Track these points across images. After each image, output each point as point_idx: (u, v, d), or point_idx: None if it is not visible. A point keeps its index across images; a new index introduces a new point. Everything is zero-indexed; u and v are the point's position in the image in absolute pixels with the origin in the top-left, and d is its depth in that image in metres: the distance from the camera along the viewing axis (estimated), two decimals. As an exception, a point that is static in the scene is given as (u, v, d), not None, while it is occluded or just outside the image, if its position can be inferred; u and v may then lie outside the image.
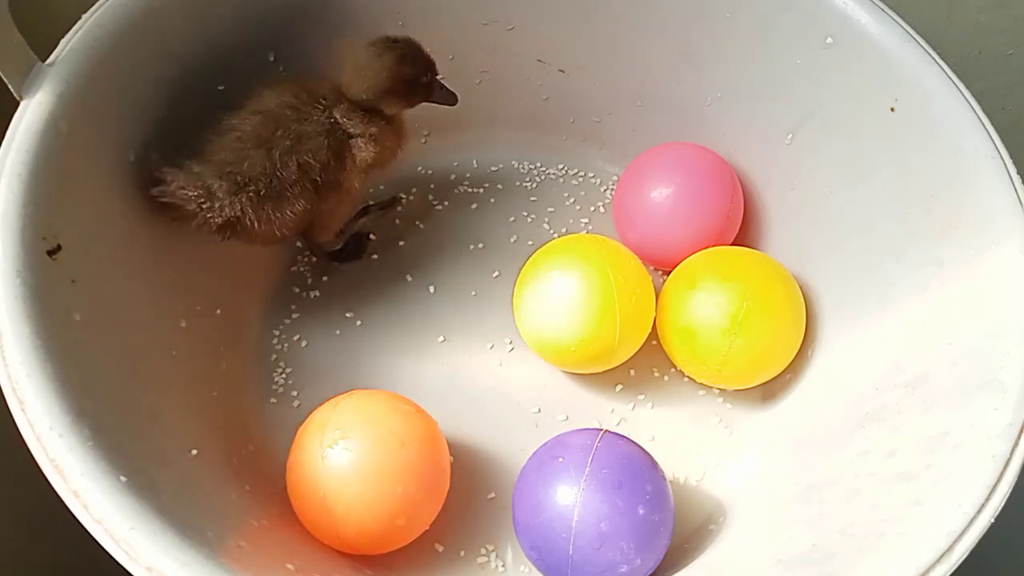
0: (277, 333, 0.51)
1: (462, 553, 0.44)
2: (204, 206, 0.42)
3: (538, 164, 0.59)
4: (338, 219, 0.49)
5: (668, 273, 0.51)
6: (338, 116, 0.45)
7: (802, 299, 0.47)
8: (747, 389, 0.49)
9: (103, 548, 0.30)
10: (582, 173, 0.59)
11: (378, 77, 0.45)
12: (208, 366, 0.45)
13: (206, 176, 0.42)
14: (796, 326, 0.47)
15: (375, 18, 0.51)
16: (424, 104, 0.48)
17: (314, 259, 0.54)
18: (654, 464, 0.41)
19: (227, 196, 0.42)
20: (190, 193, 0.41)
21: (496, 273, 0.54)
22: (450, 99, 0.48)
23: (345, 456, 0.39)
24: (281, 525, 0.40)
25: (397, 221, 0.56)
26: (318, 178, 0.44)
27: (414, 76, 0.45)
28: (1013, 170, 0.39)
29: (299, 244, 0.54)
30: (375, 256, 0.54)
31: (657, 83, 0.54)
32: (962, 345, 0.38)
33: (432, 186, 0.58)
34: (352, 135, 0.45)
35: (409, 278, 0.54)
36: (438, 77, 0.47)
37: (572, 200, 0.58)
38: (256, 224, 0.43)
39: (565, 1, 0.52)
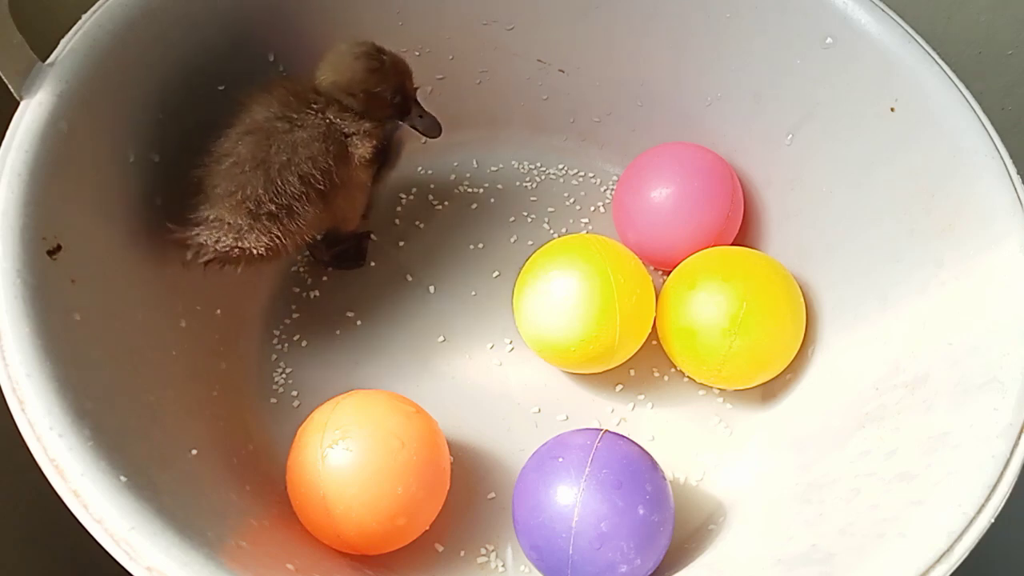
0: (277, 333, 0.51)
1: (462, 553, 0.44)
2: (244, 245, 0.42)
3: (538, 164, 0.59)
4: (355, 210, 0.48)
5: (668, 273, 0.51)
6: (330, 117, 0.45)
7: (802, 299, 0.47)
8: (747, 389, 0.49)
9: (103, 548, 0.30)
10: (582, 173, 0.59)
11: (343, 76, 0.45)
12: (208, 366, 0.45)
13: (225, 217, 0.42)
14: (796, 326, 0.47)
15: (376, 18, 0.51)
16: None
17: (314, 259, 0.54)
18: (654, 464, 0.41)
19: (252, 225, 0.42)
20: (227, 240, 0.42)
21: (496, 273, 0.54)
22: (432, 130, 0.48)
23: (345, 456, 0.39)
24: (281, 525, 0.40)
25: (397, 221, 0.56)
26: (322, 186, 0.44)
27: (379, 90, 0.45)
28: (1013, 170, 0.39)
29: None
30: (374, 263, 0.54)
31: (657, 83, 0.54)
32: (962, 345, 0.38)
33: (432, 186, 0.58)
34: (348, 134, 0.45)
35: (409, 278, 0.54)
36: (417, 103, 0.47)
37: (572, 200, 0.58)
38: (284, 239, 0.43)
39: (565, 1, 0.52)
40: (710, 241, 0.50)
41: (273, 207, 0.42)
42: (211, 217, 0.42)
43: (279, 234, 0.43)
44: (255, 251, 0.43)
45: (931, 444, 0.35)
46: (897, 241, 0.43)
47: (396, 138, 0.49)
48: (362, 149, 0.45)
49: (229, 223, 0.42)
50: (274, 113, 0.43)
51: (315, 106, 0.44)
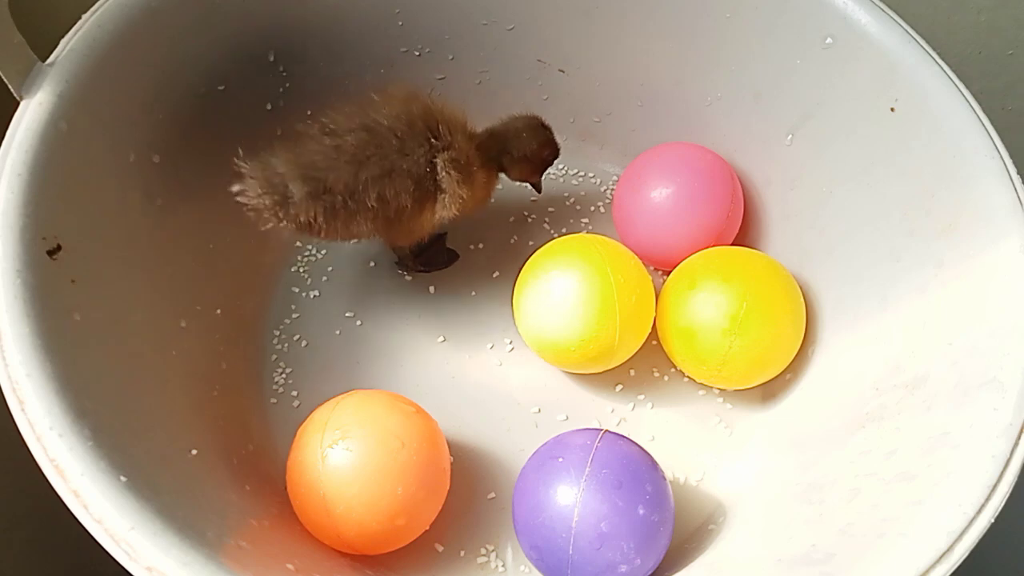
0: (277, 333, 0.51)
1: (462, 553, 0.44)
2: (280, 213, 0.42)
3: (538, 164, 0.59)
4: (403, 244, 0.50)
5: (668, 273, 0.51)
6: (439, 163, 0.45)
7: (802, 299, 0.47)
8: (747, 389, 0.49)
9: (103, 548, 0.30)
10: (582, 173, 0.59)
11: (529, 143, 0.50)
12: (208, 366, 0.45)
13: (288, 177, 0.42)
14: (796, 326, 0.47)
15: (375, 18, 0.51)
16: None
17: (314, 259, 0.54)
18: (654, 464, 0.41)
19: (303, 201, 0.42)
20: (266, 201, 0.42)
21: (496, 273, 0.54)
22: (537, 188, 0.54)
23: (345, 456, 0.39)
24: (281, 525, 0.40)
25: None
26: (390, 216, 0.44)
27: (547, 160, 0.51)
28: (1013, 170, 0.39)
29: (299, 244, 0.54)
30: (373, 263, 0.54)
31: (657, 83, 0.54)
32: (962, 345, 0.38)
33: (432, 186, 0.58)
34: (442, 189, 0.45)
35: (409, 278, 0.54)
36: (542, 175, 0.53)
37: (572, 200, 0.58)
38: (323, 232, 0.44)
39: (565, 1, 0.52)
40: (710, 241, 0.50)
41: (338, 202, 0.43)
42: (278, 170, 0.42)
43: (323, 223, 0.43)
44: (286, 221, 0.43)
45: (931, 444, 0.35)
46: (897, 241, 0.43)
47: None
48: (446, 211, 0.46)
49: (285, 187, 0.42)
50: (396, 128, 0.44)
51: (434, 142, 0.45)
